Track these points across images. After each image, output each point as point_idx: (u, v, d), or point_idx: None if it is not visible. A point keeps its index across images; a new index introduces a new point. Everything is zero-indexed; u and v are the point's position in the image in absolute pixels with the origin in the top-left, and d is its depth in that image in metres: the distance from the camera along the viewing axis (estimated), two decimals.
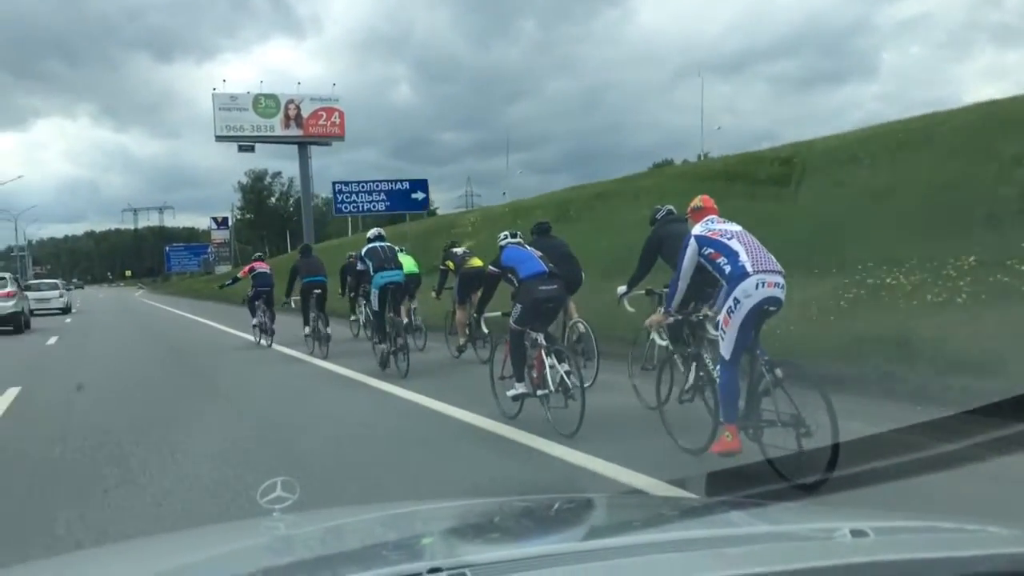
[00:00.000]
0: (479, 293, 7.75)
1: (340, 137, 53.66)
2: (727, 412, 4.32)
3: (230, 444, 5.67)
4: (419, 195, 26.93)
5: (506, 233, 6.69)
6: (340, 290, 13.22)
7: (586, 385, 5.64)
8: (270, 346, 12.63)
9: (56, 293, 29.69)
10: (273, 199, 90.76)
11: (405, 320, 9.95)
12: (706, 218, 4.70)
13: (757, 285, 4.20)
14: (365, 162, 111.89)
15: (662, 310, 5.01)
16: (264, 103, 51.46)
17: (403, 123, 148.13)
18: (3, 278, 19.66)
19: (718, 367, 4.45)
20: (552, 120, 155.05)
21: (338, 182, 27.83)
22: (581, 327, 7.58)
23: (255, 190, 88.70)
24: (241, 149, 53.21)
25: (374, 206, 26.93)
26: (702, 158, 36.09)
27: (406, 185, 27.10)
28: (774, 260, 4.34)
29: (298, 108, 51.93)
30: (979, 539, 1.32)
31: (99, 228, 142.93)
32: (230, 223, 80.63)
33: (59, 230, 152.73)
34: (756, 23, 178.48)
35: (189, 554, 1.60)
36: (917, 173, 11.46)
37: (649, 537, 1.42)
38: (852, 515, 1.51)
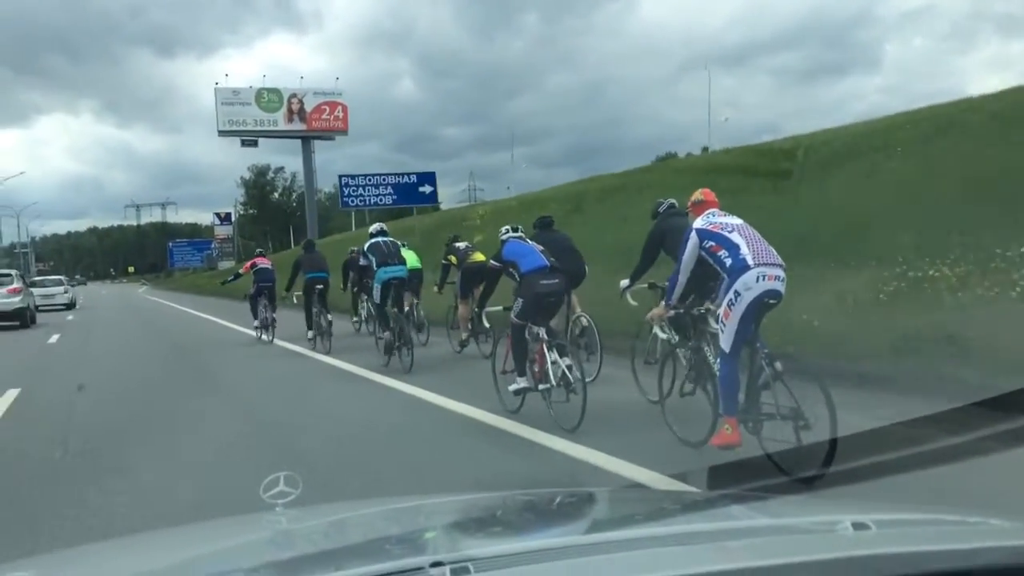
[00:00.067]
0: (481, 288, 7.76)
1: (343, 131, 53.57)
2: (727, 405, 4.34)
3: (232, 440, 5.69)
4: (427, 188, 26.62)
5: (507, 227, 6.67)
6: (342, 285, 13.24)
7: (589, 379, 5.63)
8: (271, 341, 12.65)
9: (61, 289, 29.90)
10: (276, 194, 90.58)
11: (408, 309, 9.94)
12: (707, 211, 4.70)
13: (758, 278, 4.21)
14: (368, 156, 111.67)
15: (663, 303, 5.02)
16: (267, 97, 51.35)
17: (406, 118, 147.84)
18: (9, 275, 19.72)
19: (718, 360, 4.47)
20: (554, 114, 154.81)
21: (344, 175, 27.57)
22: (584, 321, 7.58)
23: (258, 185, 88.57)
24: (244, 144, 53.21)
25: (381, 200, 26.58)
26: (709, 150, 35.91)
27: (413, 178, 26.78)
28: (775, 253, 4.35)
29: (301, 102, 51.83)
30: (981, 531, 1.32)
31: (102, 224, 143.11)
32: (233, 219, 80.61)
33: (62, 226, 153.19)
34: (758, 15, 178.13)
35: (193, 548, 1.61)
36: (951, 161, 10.98)
37: (651, 531, 1.42)
38: (854, 508, 1.51)
